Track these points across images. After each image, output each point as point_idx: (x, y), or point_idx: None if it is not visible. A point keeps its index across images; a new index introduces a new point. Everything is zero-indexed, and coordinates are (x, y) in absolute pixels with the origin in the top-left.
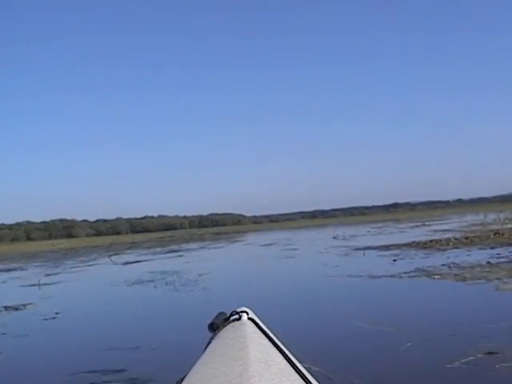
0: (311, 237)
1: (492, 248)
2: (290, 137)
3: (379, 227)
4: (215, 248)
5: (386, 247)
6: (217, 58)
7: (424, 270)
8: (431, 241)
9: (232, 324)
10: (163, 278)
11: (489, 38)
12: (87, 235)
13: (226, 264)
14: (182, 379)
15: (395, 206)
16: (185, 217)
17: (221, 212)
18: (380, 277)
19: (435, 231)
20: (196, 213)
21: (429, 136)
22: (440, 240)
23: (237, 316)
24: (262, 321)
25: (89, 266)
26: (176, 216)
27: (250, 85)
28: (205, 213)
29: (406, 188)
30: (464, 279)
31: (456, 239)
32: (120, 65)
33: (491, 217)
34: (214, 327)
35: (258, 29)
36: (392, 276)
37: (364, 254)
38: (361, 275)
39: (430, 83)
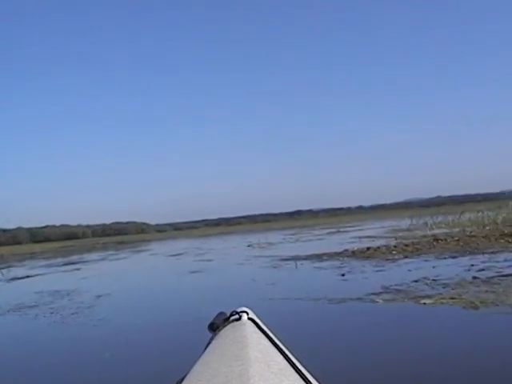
0: (223, 245)
1: (454, 257)
2: (191, 142)
3: (292, 234)
4: (118, 259)
5: (318, 257)
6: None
7: (398, 290)
8: (368, 249)
9: (232, 324)
10: (51, 302)
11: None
12: None
13: (131, 281)
14: (182, 379)
15: (298, 213)
16: (88, 226)
17: (124, 220)
18: (343, 301)
19: (359, 238)
20: (99, 221)
21: (328, 143)
22: (378, 248)
23: (237, 316)
24: (262, 321)
25: None
26: (79, 225)
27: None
28: (108, 221)
29: (307, 195)
30: (473, 305)
31: (396, 247)
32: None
33: (408, 222)
34: (214, 327)
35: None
36: (360, 300)
37: (297, 266)
38: (314, 298)
39: (340, 90)
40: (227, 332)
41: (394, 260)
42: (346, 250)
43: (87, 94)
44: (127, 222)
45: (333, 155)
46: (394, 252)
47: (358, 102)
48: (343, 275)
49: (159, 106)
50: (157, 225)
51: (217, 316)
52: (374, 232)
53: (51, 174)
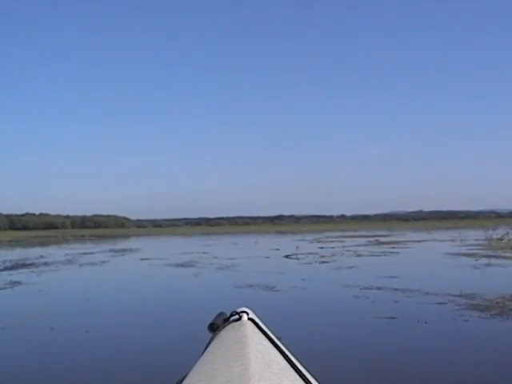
0: (243, 253)
1: None
2: (176, 140)
3: (319, 241)
4: (92, 265)
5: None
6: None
7: None
8: None
9: (232, 324)
10: None
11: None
12: None
13: (118, 357)
14: (182, 379)
15: (280, 217)
16: (67, 216)
17: (105, 213)
18: None
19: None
20: (79, 213)
21: (313, 154)
22: None
23: (237, 316)
24: (262, 321)
25: None
26: (58, 215)
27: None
28: (88, 213)
29: (286, 201)
30: None
31: None
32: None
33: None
34: (214, 327)
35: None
36: None
37: None
38: None
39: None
40: (227, 332)
41: None
42: None
43: (73, 88)
44: (107, 216)
45: (314, 163)
46: None
47: (343, 110)
48: None
49: (154, 103)
50: (137, 220)
51: (217, 316)
52: (452, 248)
53: (37, 162)
